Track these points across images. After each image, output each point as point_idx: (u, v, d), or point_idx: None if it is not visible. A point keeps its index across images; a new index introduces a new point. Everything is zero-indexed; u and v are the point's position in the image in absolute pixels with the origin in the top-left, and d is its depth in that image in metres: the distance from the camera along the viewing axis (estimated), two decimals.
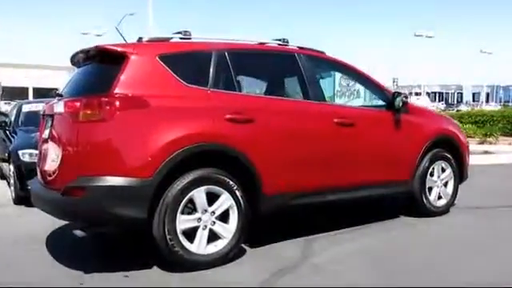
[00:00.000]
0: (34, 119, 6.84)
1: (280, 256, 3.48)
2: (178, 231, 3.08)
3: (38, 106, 7.13)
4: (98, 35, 31.25)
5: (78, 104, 2.98)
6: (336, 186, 3.85)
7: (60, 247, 3.82)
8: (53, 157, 3.18)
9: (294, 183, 3.61)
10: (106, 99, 2.93)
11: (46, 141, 3.48)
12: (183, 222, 3.11)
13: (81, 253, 3.64)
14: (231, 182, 3.28)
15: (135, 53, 3.14)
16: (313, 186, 3.71)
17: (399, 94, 4.29)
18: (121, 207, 2.91)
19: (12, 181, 5.72)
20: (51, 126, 3.36)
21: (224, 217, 3.30)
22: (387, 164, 4.24)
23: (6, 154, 6.16)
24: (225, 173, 3.27)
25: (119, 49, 3.16)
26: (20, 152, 5.58)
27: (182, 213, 3.11)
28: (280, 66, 3.91)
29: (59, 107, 3.20)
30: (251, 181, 3.38)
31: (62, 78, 29.96)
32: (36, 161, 5.57)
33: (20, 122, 6.73)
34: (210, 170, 3.22)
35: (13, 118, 7.01)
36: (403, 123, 4.31)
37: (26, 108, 7.01)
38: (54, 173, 3.14)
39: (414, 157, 4.42)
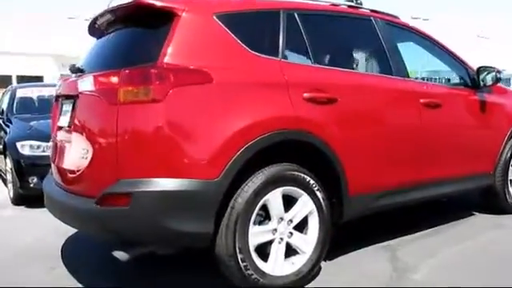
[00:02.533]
0: (30, 106, 6.03)
1: (368, 271, 2.75)
2: (251, 248, 2.32)
3: (34, 91, 6.29)
4: (87, 20, 29.89)
5: (115, 79, 2.17)
6: (422, 182, 3.13)
7: (82, 263, 3.02)
8: (78, 152, 2.37)
9: (380, 179, 2.87)
10: (156, 71, 2.13)
11: (64, 130, 2.68)
12: (256, 234, 2.35)
13: (112, 272, 2.85)
14: (312, 181, 2.52)
15: (187, 10, 2.32)
16: (399, 183, 2.98)
17: (486, 68, 3.57)
18: (179, 220, 2.13)
19: (10, 177, 4.87)
20: (73, 110, 2.55)
21: (301, 226, 2.56)
22: (472, 153, 3.54)
23: (1, 147, 5.30)
24: (303, 169, 2.51)
25: (165, 4, 2.33)
26: (18, 144, 4.72)
27: (254, 223, 2.35)
28: (357, 32, 3.13)
29: (86, 84, 2.38)
30: (334, 178, 2.63)
31: (47, 65, 28.65)
32: (38, 154, 4.82)
33: (15, 109, 5.82)
34: (287, 165, 2.45)
35: (5, 105, 6.10)
36: (487, 105, 3.61)
37: (20, 93, 6.09)
38: (80, 173, 2.34)
39: (498, 144, 3.73)
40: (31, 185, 4.60)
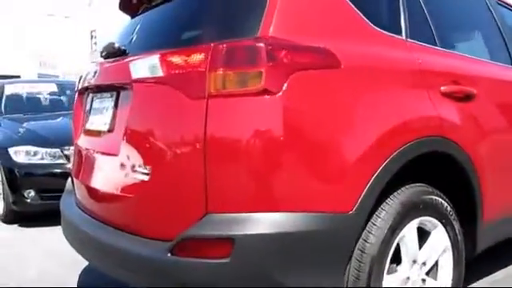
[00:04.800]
0: (22, 104, 5.19)
1: None
2: None
3: (26, 87, 5.44)
4: (67, 17, 28.89)
5: (200, 57, 1.41)
6: None
7: None
8: (129, 168, 1.60)
9: None
10: (269, 47, 1.40)
11: (97, 135, 1.92)
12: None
13: None
14: (449, 208, 1.83)
15: None
16: None
17: None
18: (300, 274, 1.41)
19: (0, 190, 4.03)
20: (116, 106, 1.79)
21: (430, 269, 1.86)
22: None
23: None
24: (437, 191, 1.82)
25: None
26: (11, 150, 3.90)
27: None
28: (474, 12, 2.45)
29: (143, 68, 1.60)
30: (470, 202, 1.95)
31: (25, 64, 27.37)
32: (35, 162, 4.00)
33: (3, 109, 4.95)
34: (422, 187, 1.76)
35: None
36: None
37: (9, 90, 5.21)
38: (133, 200, 1.58)
39: None
40: (27, 200, 3.79)
